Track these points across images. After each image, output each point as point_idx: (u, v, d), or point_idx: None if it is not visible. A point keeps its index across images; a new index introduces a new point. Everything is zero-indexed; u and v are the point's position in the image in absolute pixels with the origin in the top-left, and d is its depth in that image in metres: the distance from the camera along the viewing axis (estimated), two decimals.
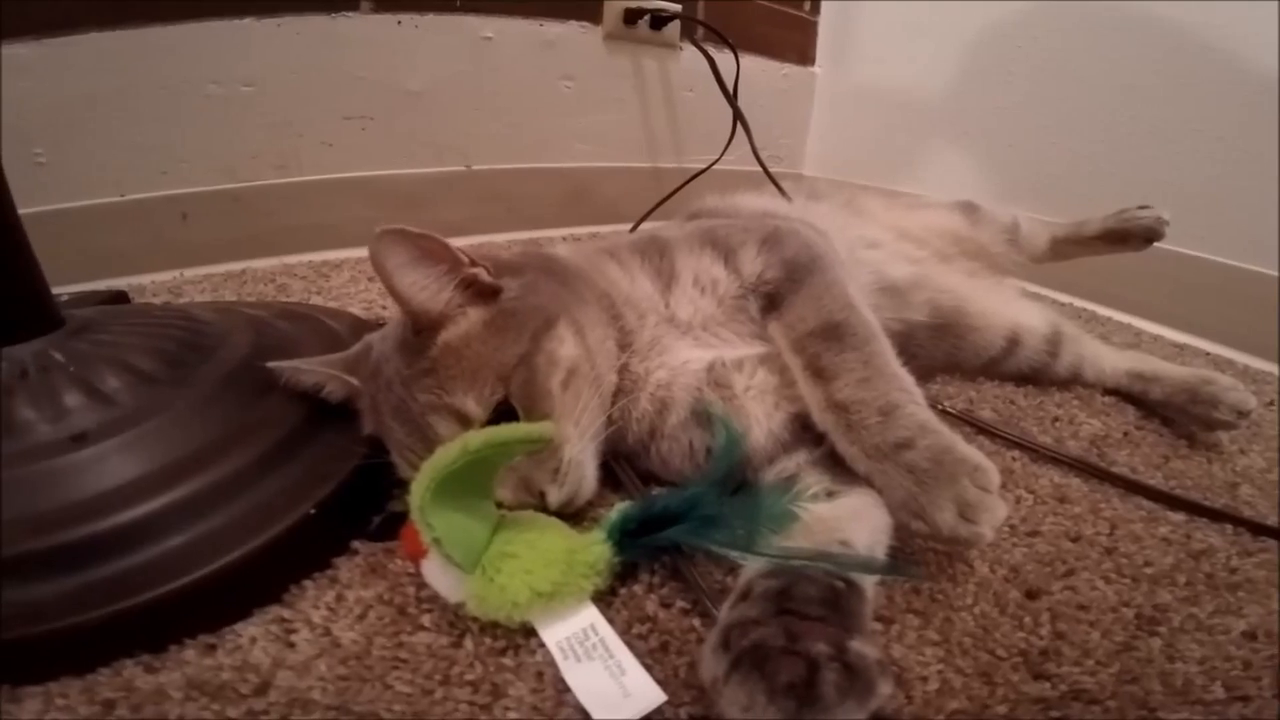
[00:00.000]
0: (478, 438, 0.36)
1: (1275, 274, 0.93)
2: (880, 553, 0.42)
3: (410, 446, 0.44)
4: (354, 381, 0.48)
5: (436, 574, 0.39)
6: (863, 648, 0.31)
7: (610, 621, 0.39)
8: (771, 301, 0.53)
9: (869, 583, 0.39)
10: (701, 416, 0.49)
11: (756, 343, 0.53)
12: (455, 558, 0.36)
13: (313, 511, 0.42)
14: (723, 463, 0.45)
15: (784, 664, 0.30)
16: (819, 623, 0.32)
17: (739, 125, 1.25)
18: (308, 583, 0.43)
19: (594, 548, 0.40)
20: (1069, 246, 0.88)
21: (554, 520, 0.44)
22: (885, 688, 0.31)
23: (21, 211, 0.48)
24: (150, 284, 0.92)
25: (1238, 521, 0.53)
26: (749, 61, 1.32)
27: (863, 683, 0.30)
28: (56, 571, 0.37)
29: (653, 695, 0.32)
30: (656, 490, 0.51)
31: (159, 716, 0.34)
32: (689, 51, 1.29)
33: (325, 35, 0.99)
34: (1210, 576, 0.47)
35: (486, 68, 1.14)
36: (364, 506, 0.46)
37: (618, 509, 0.43)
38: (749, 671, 0.30)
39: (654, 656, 0.38)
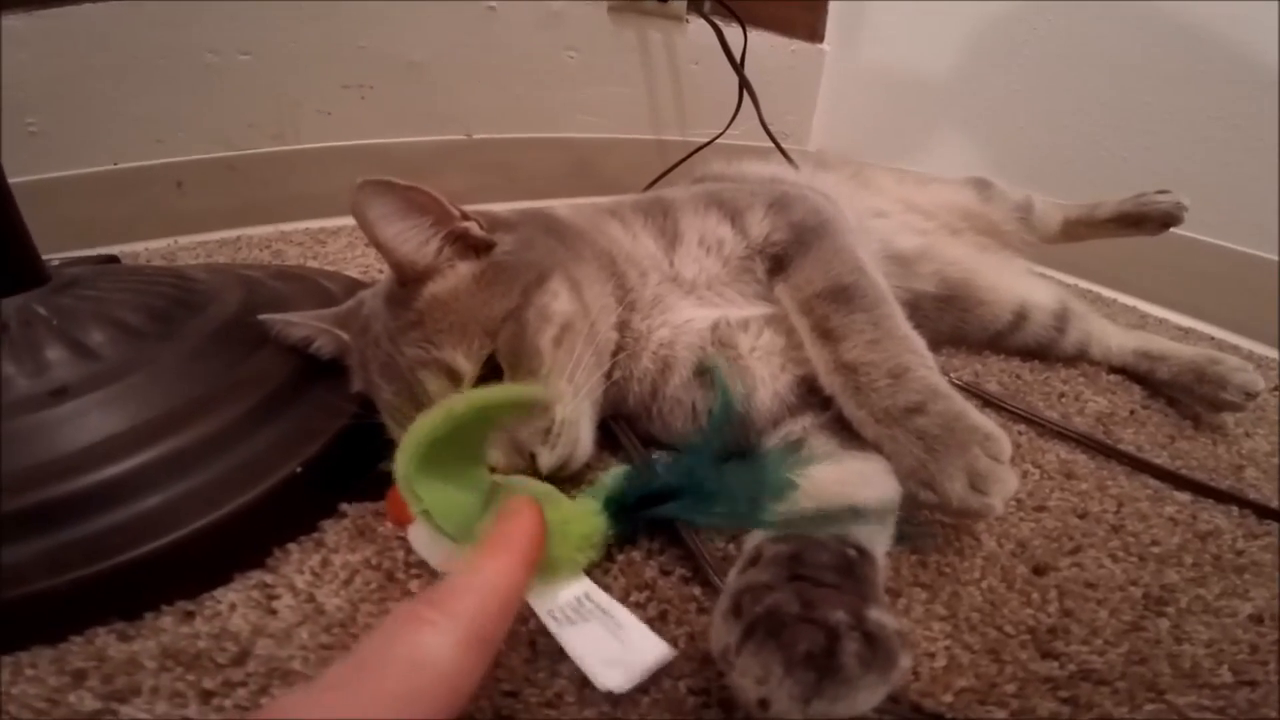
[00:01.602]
0: (462, 401, 0.34)
1: (1279, 260, 0.91)
2: (891, 520, 0.40)
3: (398, 405, 0.42)
4: (344, 336, 0.47)
5: (424, 541, 0.38)
6: (882, 617, 0.30)
7: (607, 589, 0.37)
8: (779, 263, 0.51)
9: (880, 551, 0.37)
10: (703, 376, 0.47)
11: (762, 303, 0.52)
12: (446, 529, 0.34)
13: (299, 470, 0.41)
14: (719, 419, 0.44)
15: (802, 632, 0.28)
16: (833, 590, 0.31)
17: (745, 97, 1.22)
18: (292, 546, 0.41)
19: (589, 519, 0.38)
20: (1082, 228, 0.86)
21: (548, 487, 0.42)
22: (906, 660, 0.29)
23: (14, 180, 0.47)
24: (144, 251, 0.92)
25: (1244, 504, 0.53)
26: (757, 37, 1.29)
27: (884, 653, 0.28)
28: (30, 532, 0.35)
29: (658, 650, 0.30)
30: (656, 454, 0.50)
31: (131, 687, 0.33)
32: (696, 24, 1.27)
33: (324, 5, 0.98)
34: (1217, 558, 0.47)
35: (490, 38, 1.12)
36: (353, 466, 0.45)
37: (612, 474, 0.41)
38: (764, 640, 0.28)
39: (653, 626, 0.36)
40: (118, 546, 0.35)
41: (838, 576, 0.32)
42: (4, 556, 0.34)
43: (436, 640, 0.24)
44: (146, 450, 0.39)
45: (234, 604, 0.37)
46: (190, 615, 0.37)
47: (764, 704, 0.27)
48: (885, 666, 0.28)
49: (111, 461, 0.38)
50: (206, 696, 0.32)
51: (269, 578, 0.39)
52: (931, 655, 0.37)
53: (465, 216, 0.45)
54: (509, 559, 0.29)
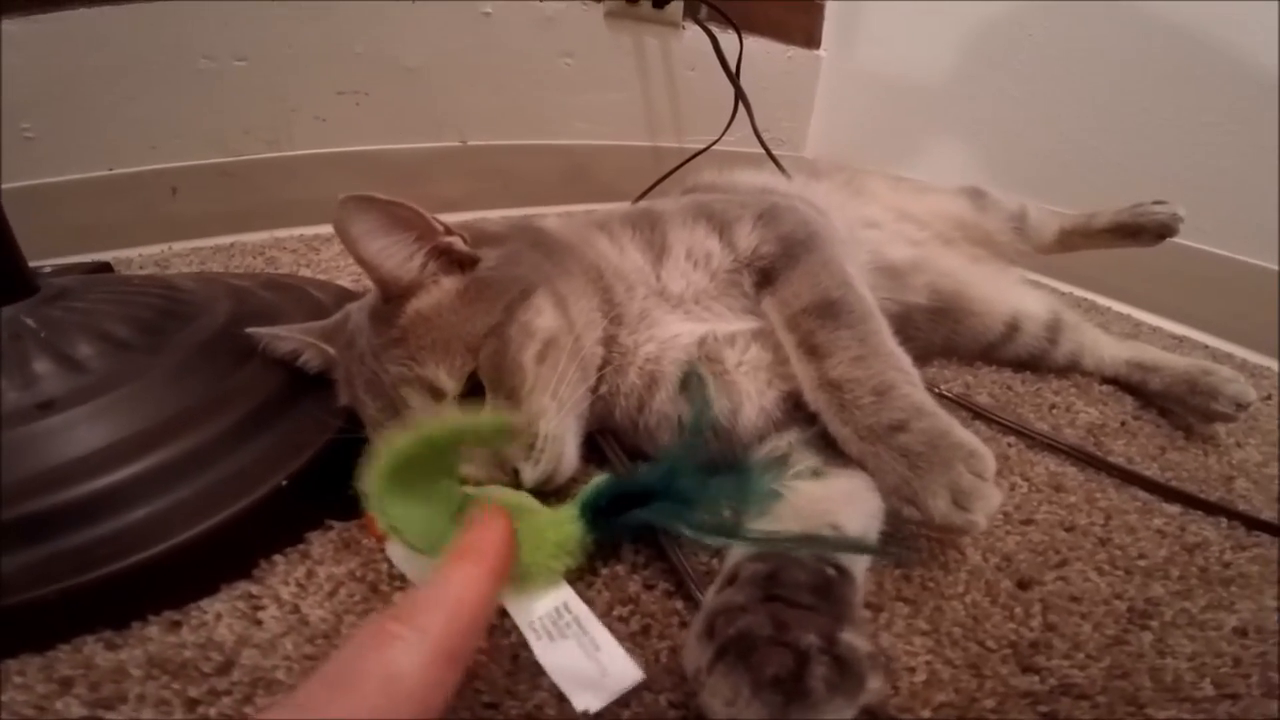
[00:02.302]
0: (437, 426, 0.34)
1: (1276, 268, 0.91)
2: (872, 537, 0.40)
3: (383, 421, 0.42)
4: (330, 350, 0.47)
5: (401, 556, 0.38)
6: (854, 640, 0.30)
7: (590, 603, 0.38)
8: (766, 277, 0.52)
9: (860, 569, 0.37)
10: (687, 389, 0.47)
11: (750, 318, 0.52)
12: (416, 545, 0.34)
13: (285, 483, 0.41)
14: (697, 422, 0.43)
15: (771, 655, 0.28)
16: (809, 611, 0.31)
17: (740, 105, 1.23)
18: (278, 558, 0.42)
19: (564, 526, 0.38)
20: (1077, 238, 0.86)
21: (524, 496, 0.42)
22: (875, 682, 0.29)
23: (8, 185, 0.48)
24: (138, 257, 0.92)
25: (1233, 515, 0.53)
26: (753, 43, 1.29)
27: (853, 677, 0.28)
28: (18, 544, 0.35)
29: (630, 673, 0.30)
30: (640, 467, 0.50)
31: (118, 695, 0.33)
32: (692, 30, 1.27)
33: (320, 11, 0.98)
34: (1204, 570, 0.47)
35: (485, 44, 1.12)
36: (339, 480, 0.45)
37: (593, 483, 0.41)
38: (734, 663, 0.28)
39: (635, 640, 0.37)
40: (106, 557, 0.36)
41: (814, 597, 0.32)
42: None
43: (405, 656, 0.24)
44: (134, 463, 0.39)
45: (220, 614, 0.38)
46: (177, 625, 0.37)
47: None
48: (852, 690, 0.28)
49: (99, 474, 0.38)
50: (192, 705, 0.33)
51: (255, 589, 0.39)
52: (912, 670, 0.37)
53: (449, 231, 0.45)
54: (477, 570, 0.28)
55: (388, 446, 0.32)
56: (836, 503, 0.40)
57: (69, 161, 0.89)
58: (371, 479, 0.32)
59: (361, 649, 0.24)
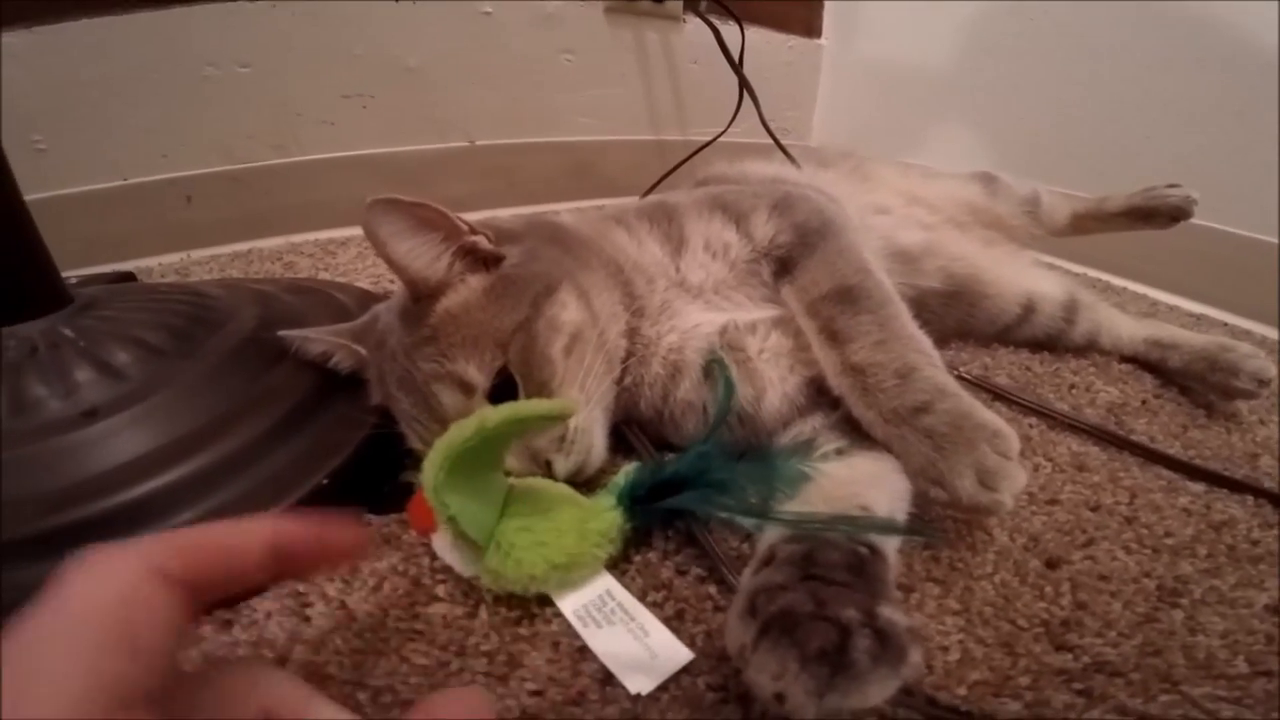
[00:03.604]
0: (495, 415, 0.35)
1: None
2: (900, 518, 0.41)
3: (416, 416, 0.43)
4: (361, 351, 0.48)
5: (448, 548, 0.39)
6: (893, 614, 0.30)
7: (625, 589, 0.39)
8: (784, 266, 0.52)
9: (892, 549, 0.38)
10: (710, 375, 0.48)
11: (769, 306, 0.52)
12: (471, 534, 0.36)
13: (325, 482, 0.42)
14: (723, 405, 0.44)
15: (815, 630, 0.29)
16: (845, 588, 0.32)
17: (745, 96, 1.22)
18: None
19: (605, 515, 0.40)
20: (1090, 222, 0.86)
21: (563, 487, 0.43)
22: (916, 655, 0.30)
23: (27, 198, 0.48)
24: (157, 266, 0.93)
25: (1259, 493, 0.52)
26: (755, 34, 1.29)
27: (895, 649, 0.29)
28: (73, 548, 0.36)
29: (680, 654, 0.31)
30: (669, 456, 0.51)
31: None
32: (693, 24, 1.27)
33: (319, 15, 0.98)
34: (1232, 548, 0.47)
35: (486, 42, 1.12)
36: (376, 477, 0.46)
37: (624, 472, 0.42)
38: (778, 638, 0.29)
39: (670, 625, 0.37)
40: None
41: (849, 575, 0.33)
42: (50, 572, 0.35)
43: None
44: (179, 467, 0.40)
45: (270, 612, 0.38)
46: (229, 624, 0.38)
47: (780, 698, 0.28)
48: (896, 661, 0.29)
49: (147, 478, 0.39)
50: None
51: (302, 587, 0.40)
52: (945, 649, 0.37)
53: (474, 230, 0.45)
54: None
55: (447, 439, 0.33)
56: (864, 485, 0.41)
57: (83, 173, 0.90)
58: (430, 471, 0.33)
59: None
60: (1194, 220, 0.81)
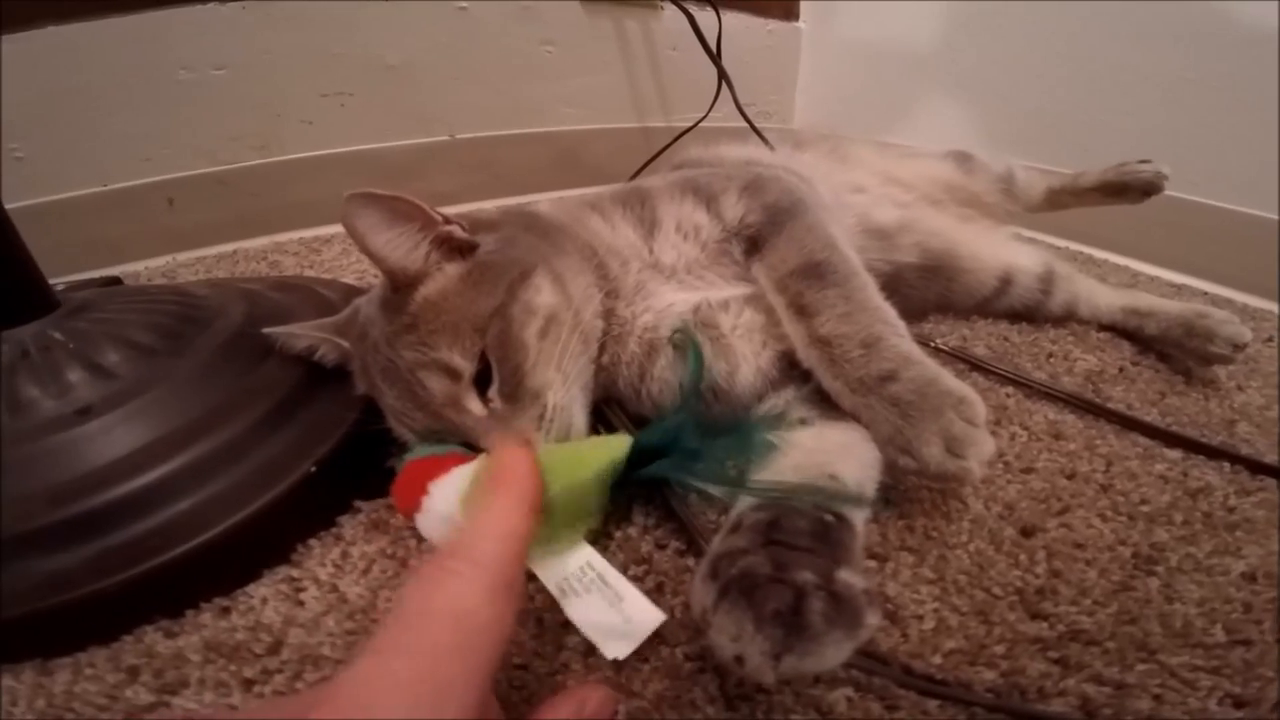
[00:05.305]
0: (587, 469, 0.36)
1: (1275, 217, 0.91)
2: (870, 488, 0.42)
3: (401, 406, 0.44)
4: (344, 344, 0.48)
5: (430, 527, 0.40)
6: (850, 577, 0.31)
7: (604, 559, 0.39)
8: (754, 244, 0.53)
9: (859, 517, 0.39)
10: (679, 348, 0.49)
11: (741, 284, 0.53)
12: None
13: (313, 469, 0.43)
14: (695, 373, 0.45)
15: (771, 592, 0.30)
16: (807, 553, 0.33)
17: (723, 83, 1.23)
18: (313, 541, 0.44)
19: (617, 450, 0.39)
20: (1065, 197, 0.87)
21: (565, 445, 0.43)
22: (873, 618, 0.31)
23: (8, 206, 0.48)
24: (144, 270, 0.93)
25: (1236, 459, 0.52)
26: (733, 19, 1.29)
27: (850, 611, 0.30)
28: (76, 540, 0.38)
29: (652, 616, 0.32)
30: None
31: (180, 680, 0.35)
32: (670, 10, 1.26)
33: (293, 16, 0.97)
34: (1208, 515, 0.47)
35: (464, 37, 1.12)
36: (364, 464, 0.47)
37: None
38: (737, 599, 0.30)
39: (650, 597, 0.37)
40: (156, 549, 0.38)
41: (812, 541, 0.34)
42: (56, 563, 0.37)
43: (469, 590, 0.24)
44: (172, 460, 0.41)
45: (265, 598, 0.40)
46: (227, 610, 0.39)
47: (739, 660, 0.29)
48: (851, 624, 0.30)
49: (141, 472, 0.40)
50: (248, 685, 0.35)
51: (295, 572, 0.42)
52: (920, 618, 0.38)
53: (448, 220, 0.46)
54: (511, 500, 0.29)
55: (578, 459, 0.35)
56: (834, 454, 0.42)
57: (63, 180, 0.89)
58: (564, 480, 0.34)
59: (425, 591, 0.24)
60: (1173, 193, 0.82)
